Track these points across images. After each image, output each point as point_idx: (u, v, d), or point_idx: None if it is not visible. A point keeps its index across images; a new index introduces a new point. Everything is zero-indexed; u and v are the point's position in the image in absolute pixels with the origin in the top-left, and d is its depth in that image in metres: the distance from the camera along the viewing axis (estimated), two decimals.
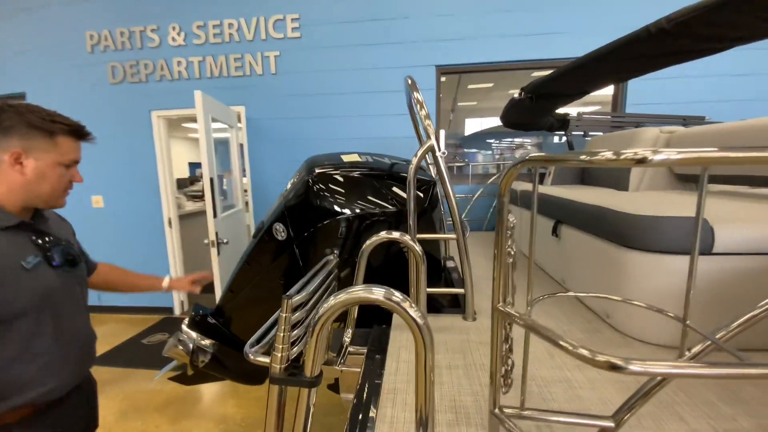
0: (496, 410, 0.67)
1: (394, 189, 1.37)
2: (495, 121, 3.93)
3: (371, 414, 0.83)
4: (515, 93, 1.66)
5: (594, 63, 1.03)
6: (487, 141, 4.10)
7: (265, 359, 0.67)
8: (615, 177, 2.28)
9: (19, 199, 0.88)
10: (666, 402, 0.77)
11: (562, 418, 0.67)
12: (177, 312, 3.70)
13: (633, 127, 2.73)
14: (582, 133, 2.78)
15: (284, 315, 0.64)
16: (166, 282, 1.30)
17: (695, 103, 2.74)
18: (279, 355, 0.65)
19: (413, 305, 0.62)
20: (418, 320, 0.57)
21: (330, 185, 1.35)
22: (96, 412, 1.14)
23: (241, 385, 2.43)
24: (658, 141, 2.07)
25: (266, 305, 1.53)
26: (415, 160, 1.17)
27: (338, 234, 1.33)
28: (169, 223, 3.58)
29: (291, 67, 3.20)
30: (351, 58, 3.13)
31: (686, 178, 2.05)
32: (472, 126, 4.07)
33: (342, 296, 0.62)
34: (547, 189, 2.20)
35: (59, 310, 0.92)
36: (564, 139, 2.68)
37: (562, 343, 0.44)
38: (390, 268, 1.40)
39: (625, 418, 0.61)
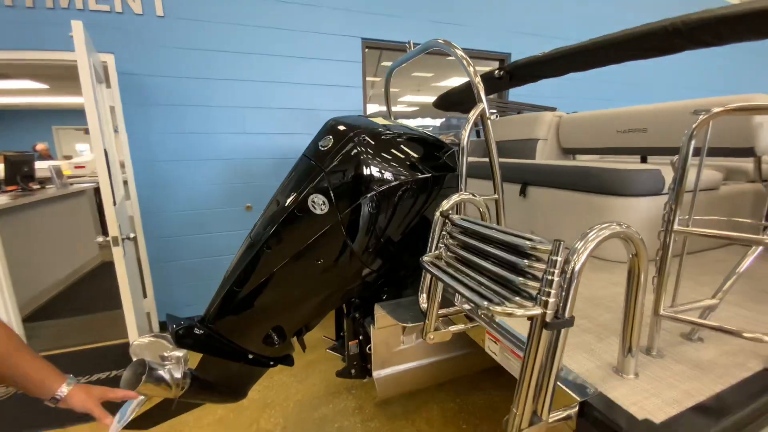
0: (662, 311, 0.86)
1: (435, 154, 1.37)
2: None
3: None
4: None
5: (601, 49, 1.32)
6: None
7: (529, 311, 0.64)
8: (521, 150, 2.86)
9: None
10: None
11: (688, 306, 0.92)
12: None
13: (515, 112, 3.44)
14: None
15: (558, 258, 0.63)
16: (64, 389, 0.77)
17: (547, 97, 3.66)
18: (551, 300, 0.64)
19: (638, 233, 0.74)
20: (641, 246, 0.71)
21: (379, 149, 1.25)
22: None
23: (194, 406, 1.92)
24: (552, 123, 2.71)
25: (298, 292, 1.29)
26: (468, 125, 1.23)
27: (387, 204, 1.25)
28: None
29: (184, 11, 2.53)
30: (267, 12, 2.72)
31: (567, 151, 2.78)
32: None
33: (596, 235, 0.68)
34: (480, 160, 2.57)
35: None
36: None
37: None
38: (411, 237, 1.40)
39: (723, 296, 0.91)
